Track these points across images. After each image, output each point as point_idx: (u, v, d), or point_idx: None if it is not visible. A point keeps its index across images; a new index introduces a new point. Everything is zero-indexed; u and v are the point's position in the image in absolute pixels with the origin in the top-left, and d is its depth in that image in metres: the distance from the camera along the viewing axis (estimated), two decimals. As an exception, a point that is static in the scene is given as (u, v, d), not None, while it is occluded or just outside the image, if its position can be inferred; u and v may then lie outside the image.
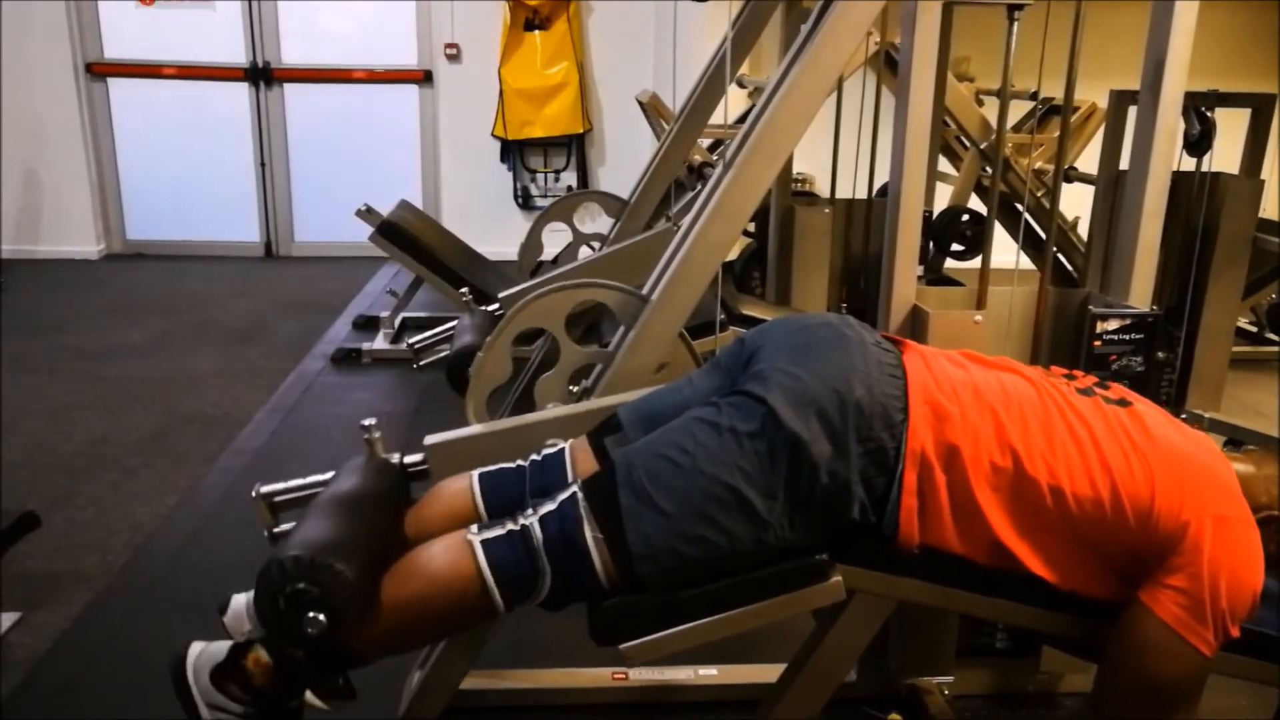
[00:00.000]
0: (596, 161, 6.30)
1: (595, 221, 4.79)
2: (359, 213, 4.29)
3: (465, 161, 6.21)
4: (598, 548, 1.33)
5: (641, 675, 2.05)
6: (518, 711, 1.98)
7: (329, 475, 1.64)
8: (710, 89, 3.43)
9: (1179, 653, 1.30)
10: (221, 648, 1.36)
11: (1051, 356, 1.98)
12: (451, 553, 1.36)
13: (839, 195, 3.21)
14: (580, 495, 1.36)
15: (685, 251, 1.85)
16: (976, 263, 2.07)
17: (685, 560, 1.33)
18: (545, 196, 6.21)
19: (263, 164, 6.17)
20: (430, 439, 1.72)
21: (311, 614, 1.26)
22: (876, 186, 2.94)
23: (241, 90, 6.08)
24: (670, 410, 1.49)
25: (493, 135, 6.11)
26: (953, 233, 4.00)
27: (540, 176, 6.27)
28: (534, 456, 1.58)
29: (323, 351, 4.38)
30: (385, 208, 4.37)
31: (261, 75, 6.04)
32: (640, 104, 4.57)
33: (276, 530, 1.64)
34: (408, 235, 4.21)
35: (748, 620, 1.37)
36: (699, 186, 4.34)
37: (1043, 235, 3.47)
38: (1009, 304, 1.98)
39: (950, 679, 2.07)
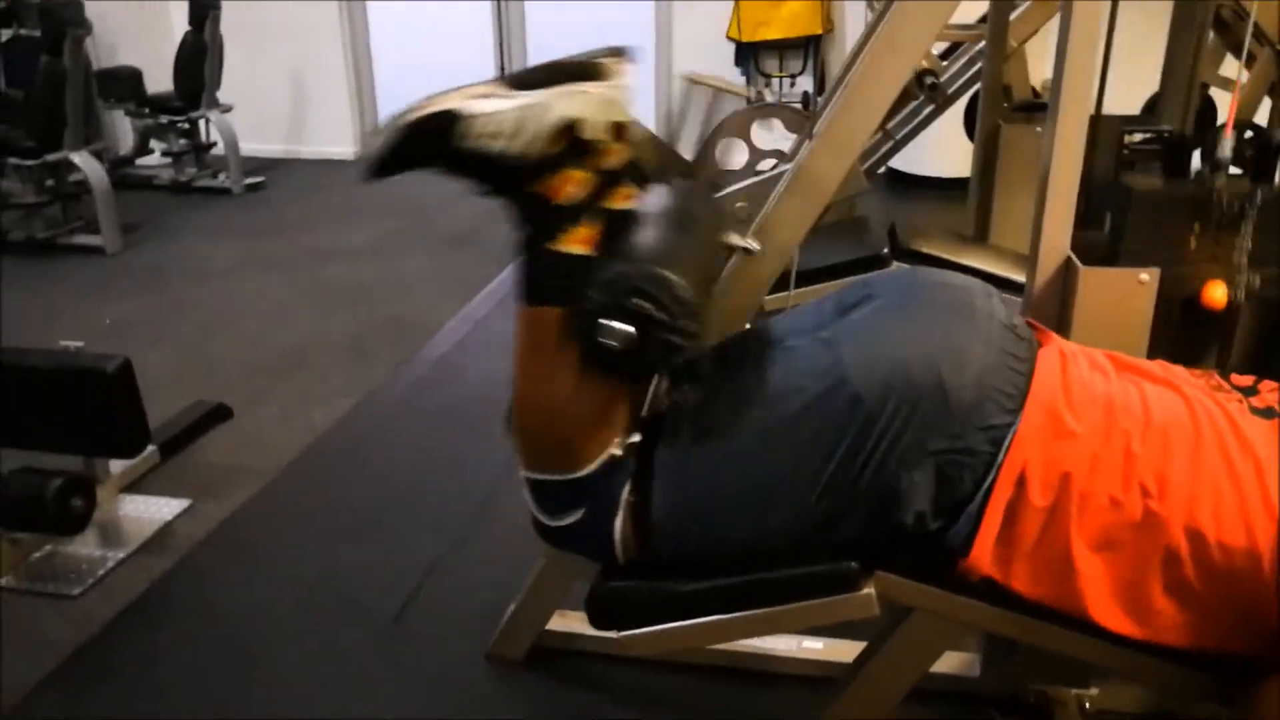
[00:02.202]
0: (836, 66, 5.88)
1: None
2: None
3: (699, 66, 6.00)
4: (624, 512, 1.18)
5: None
6: (603, 660, 1.91)
7: None
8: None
9: None
10: (604, 132, 1.14)
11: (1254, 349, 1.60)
12: (598, 437, 1.20)
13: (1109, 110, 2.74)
14: (636, 442, 1.21)
15: (782, 187, 1.62)
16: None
17: (705, 536, 1.17)
18: (779, 100, 5.90)
19: (501, 69, 6.27)
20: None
21: (626, 326, 1.07)
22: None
23: (485, 3, 6.18)
24: (771, 341, 1.28)
25: (727, 37, 5.85)
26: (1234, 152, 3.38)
27: (775, 81, 5.95)
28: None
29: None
30: None
31: (503, -12, 6.11)
32: (869, 7, 4.17)
33: None
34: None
35: (761, 626, 1.21)
36: (920, 99, 3.96)
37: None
38: (1204, 260, 1.61)
39: (1094, 691, 1.78)
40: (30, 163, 4.57)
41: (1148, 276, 1.55)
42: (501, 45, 6.26)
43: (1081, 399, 1.13)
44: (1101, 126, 2.68)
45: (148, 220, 5.11)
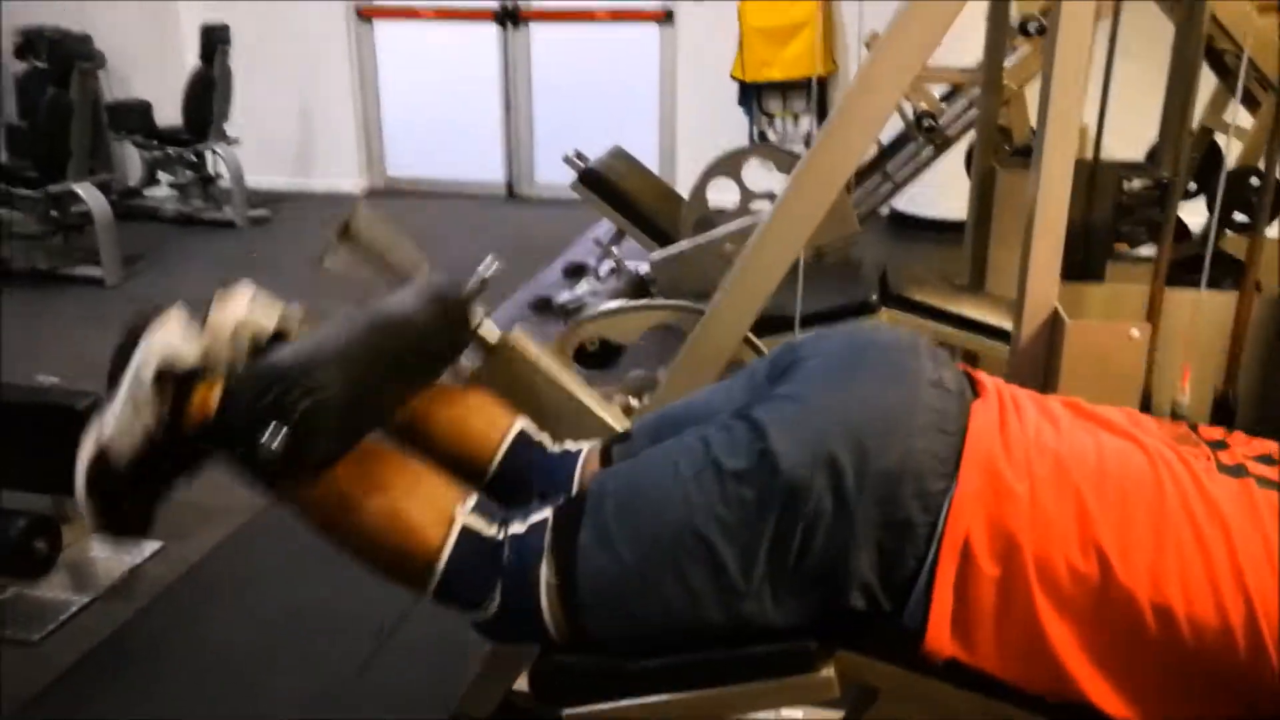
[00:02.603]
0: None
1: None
2: (566, 159, 4.21)
3: (702, 103, 6.00)
4: (548, 590, 1.11)
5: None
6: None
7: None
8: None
9: None
10: (187, 351, 1.16)
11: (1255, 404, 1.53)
12: (431, 513, 1.15)
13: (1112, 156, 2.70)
14: (550, 524, 1.15)
15: (759, 233, 1.57)
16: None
17: (638, 620, 1.09)
18: (783, 142, 5.89)
19: (508, 105, 6.29)
20: (516, 332, 1.52)
21: (275, 425, 1.05)
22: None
23: (491, 31, 6.20)
24: (687, 422, 1.23)
25: (731, 76, 5.85)
26: (1238, 199, 3.33)
27: (778, 121, 5.93)
28: (566, 447, 1.38)
29: (522, 298, 4.40)
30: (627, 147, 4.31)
31: (510, 16, 6.13)
32: (867, 48, 4.15)
33: None
34: (609, 185, 4.08)
35: (715, 707, 1.13)
36: (919, 141, 3.93)
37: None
38: (1194, 313, 1.55)
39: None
40: (34, 193, 4.59)
41: (1138, 332, 1.49)
42: (507, 72, 6.28)
43: (1024, 453, 1.05)
44: (1100, 173, 2.64)
45: (150, 251, 5.11)
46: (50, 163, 4.54)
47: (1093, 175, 2.63)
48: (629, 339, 1.68)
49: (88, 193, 4.60)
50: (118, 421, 1.12)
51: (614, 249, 3.54)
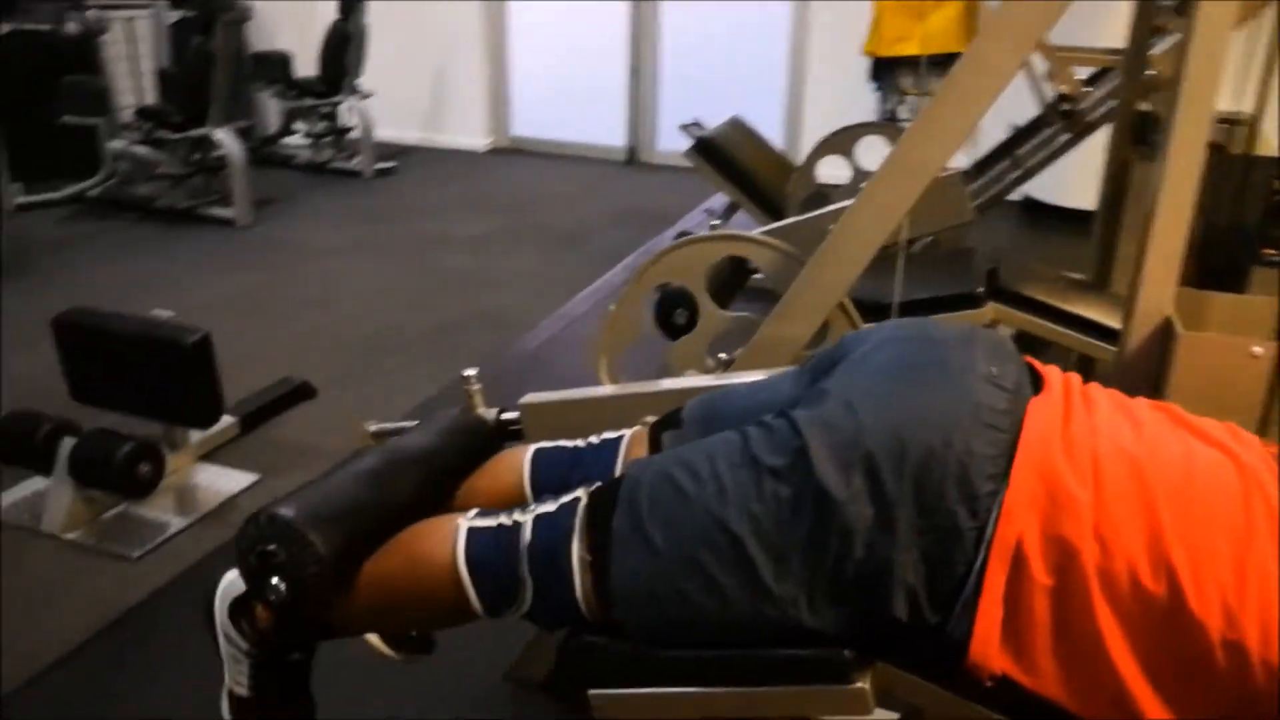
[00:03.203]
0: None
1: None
2: (683, 126, 4.17)
3: (832, 78, 5.83)
4: (582, 571, 1.08)
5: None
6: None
7: None
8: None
9: None
10: (239, 582, 1.30)
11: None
12: (436, 535, 1.18)
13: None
14: (583, 503, 1.13)
15: (853, 206, 1.50)
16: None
17: (667, 615, 1.05)
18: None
19: (634, 71, 6.26)
20: (526, 398, 1.57)
21: (275, 580, 1.15)
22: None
23: (623, 5, 6.18)
24: (737, 414, 1.19)
25: (864, 52, 5.66)
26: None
27: (911, 99, 5.72)
28: (593, 439, 1.37)
29: (632, 264, 4.38)
30: (750, 122, 4.24)
31: (644, -18, 6.09)
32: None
33: None
34: (724, 155, 4.02)
35: (741, 707, 1.07)
36: (1056, 126, 3.73)
37: None
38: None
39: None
40: (177, 136, 4.81)
41: (1262, 349, 1.37)
42: (635, 38, 6.24)
43: (1090, 455, 0.96)
44: (1253, 170, 2.44)
45: (280, 197, 5.31)
46: (193, 108, 4.75)
47: (1246, 171, 2.44)
48: (695, 278, 1.63)
49: (226, 138, 4.79)
50: (230, 674, 1.31)
51: (715, 222, 3.48)
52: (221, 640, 1.30)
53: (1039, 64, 3.78)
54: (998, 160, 3.95)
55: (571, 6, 6.29)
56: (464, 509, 1.27)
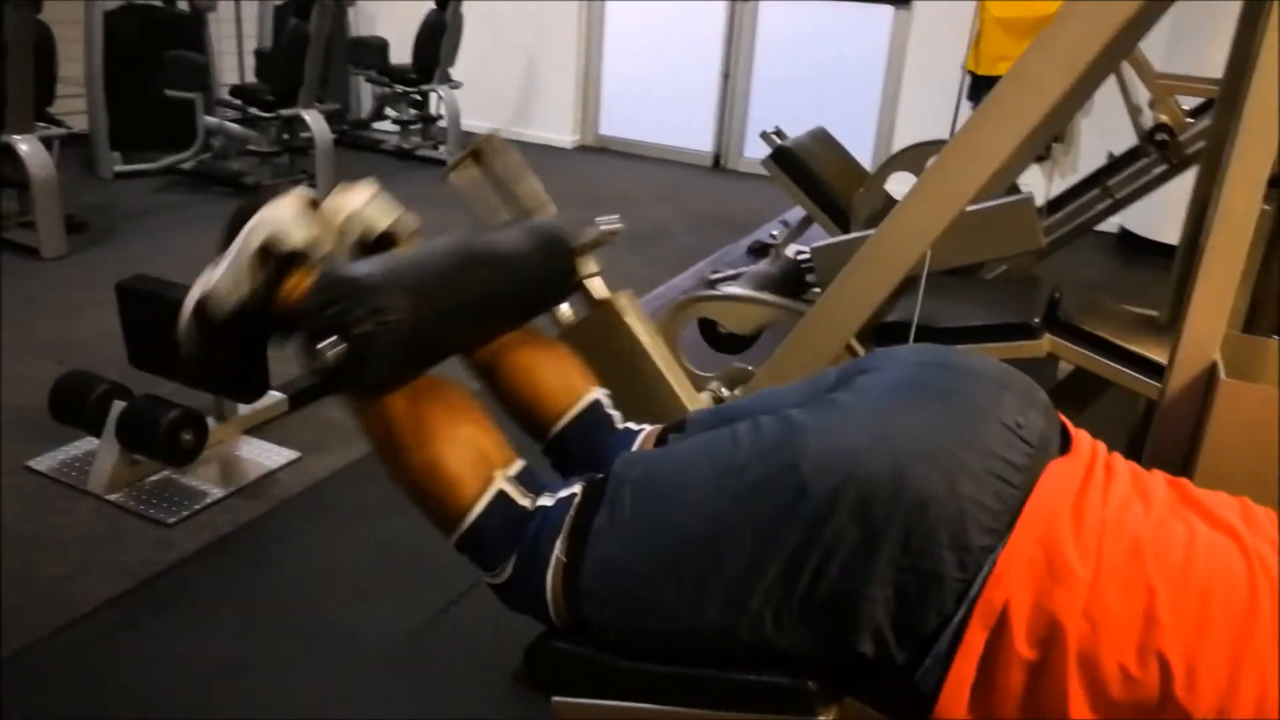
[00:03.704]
0: (1081, 109, 5.41)
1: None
2: (764, 134, 4.10)
3: (927, 93, 5.68)
4: (555, 567, 1.06)
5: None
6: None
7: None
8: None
9: None
10: (295, 232, 1.19)
11: None
12: (475, 467, 1.12)
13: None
14: (577, 500, 1.10)
15: (877, 233, 1.43)
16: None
17: (634, 617, 1.02)
18: (1008, 143, 5.51)
19: (726, 76, 6.21)
20: (625, 294, 1.49)
21: (335, 339, 1.04)
22: None
23: (720, 6, 6.13)
24: (740, 417, 1.15)
25: (963, 68, 5.50)
26: None
27: (1007, 120, 5.55)
28: (625, 425, 1.33)
29: (701, 271, 4.33)
30: (839, 133, 4.17)
31: (742, -12, 6.04)
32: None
33: None
34: (801, 165, 3.94)
35: (700, 729, 1.04)
36: (1152, 157, 3.56)
37: None
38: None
39: None
40: (268, 115, 4.94)
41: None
42: (730, 43, 6.19)
43: (1097, 531, 0.90)
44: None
45: (364, 180, 5.38)
46: (285, 88, 4.86)
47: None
48: (738, 327, 1.59)
49: (313, 119, 4.90)
50: (219, 280, 1.18)
51: (774, 232, 3.41)
52: (236, 250, 1.18)
53: (1141, 92, 3.63)
54: (1088, 189, 3.80)
55: (668, 6, 6.26)
56: (512, 383, 1.30)
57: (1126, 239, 5.25)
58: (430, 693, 1.82)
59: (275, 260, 1.18)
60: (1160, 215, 4.64)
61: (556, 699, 1.09)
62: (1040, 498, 0.92)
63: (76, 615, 1.93)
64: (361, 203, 1.26)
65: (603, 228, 1.40)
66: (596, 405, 1.31)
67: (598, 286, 1.47)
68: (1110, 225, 4.89)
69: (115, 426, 2.34)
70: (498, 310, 1.27)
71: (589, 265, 1.43)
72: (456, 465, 1.12)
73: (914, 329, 1.56)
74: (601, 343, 1.46)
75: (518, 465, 1.15)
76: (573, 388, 1.32)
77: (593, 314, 1.48)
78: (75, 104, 4.78)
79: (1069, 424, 1.07)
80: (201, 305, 1.18)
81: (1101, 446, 1.04)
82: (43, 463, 2.47)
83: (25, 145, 3.82)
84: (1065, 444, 1.02)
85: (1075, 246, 3.73)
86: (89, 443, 2.50)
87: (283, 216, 1.19)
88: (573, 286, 1.44)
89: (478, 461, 1.13)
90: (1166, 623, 0.84)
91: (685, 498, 1.00)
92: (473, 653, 1.92)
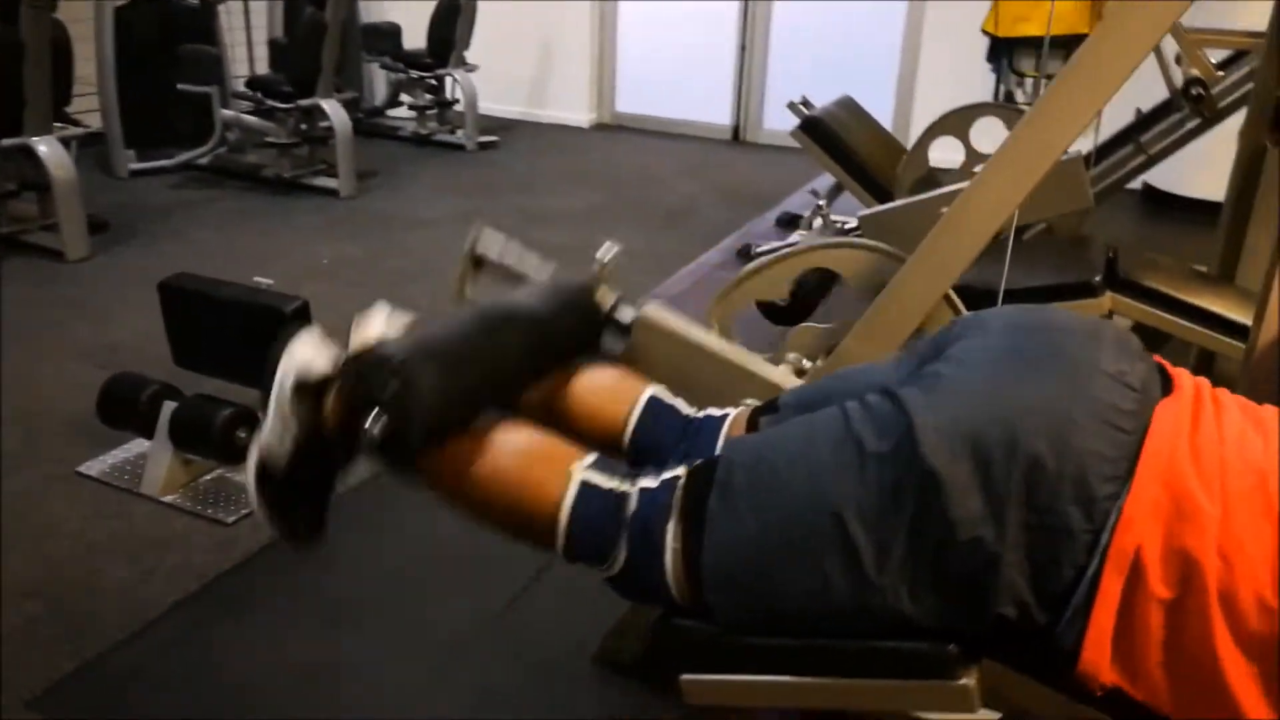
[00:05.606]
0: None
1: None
2: (790, 105, 4.06)
3: (947, 57, 5.64)
4: (673, 553, 1.06)
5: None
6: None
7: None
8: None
9: None
10: (320, 361, 1.24)
11: None
12: (553, 467, 1.15)
13: None
14: (681, 482, 1.09)
15: (967, 190, 1.41)
16: None
17: (760, 600, 1.01)
18: (1031, 104, 5.44)
19: (742, 48, 6.15)
20: (648, 309, 1.50)
21: (376, 411, 1.10)
22: None
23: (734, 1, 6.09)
24: (837, 397, 1.14)
25: (981, 30, 5.44)
26: None
27: (1029, 82, 5.47)
28: (705, 413, 1.34)
29: (733, 244, 4.31)
30: (858, 99, 4.15)
31: (754, -42, 5.98)
32: None
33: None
34: (831, 134, 3.90)
35: (838, 698, 1.04)
36: (1184, 111, 3.51)
37: None
38: None
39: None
40: (285, 106, 4.90)
41: None
42: (744, 42, 6.14)
43: (1218, 465, 0.89)
44: None
45: (384, 169, 5.37)
46: (302, 79, 4.83)
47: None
48: (779, 292, 1.57)
49: (332, 109, 4.86)
50: (270, 432, 1.22)
51: (821, 203, 3.37)
52: (275, 397, 1.23)
53: (1169, 47, 3.57)
54: (1120, 145, 3.75)
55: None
56: (570, 415, 1.34)
57: (1149, 195, 5.19)
58: (516, 681, 1.82)
59: (312, 393, 1.22)
60: (1183, 169, 4.58)
61: (686, 677, 1.08)
62: (1156, 439, 0.92)
63: (150, 619, 1.93)
64: (380, 326, 1.29)
65: (604, 259, 1.46)
66: (654, 400, 1.35)
67: (624, 312, 1.48)
68: (1134, 182, 4.85)
69: (168, 427, 2.34)
70: (528, 357, 1.32)
71: (608, 296, 1.47)
72: (535, 472, 1.16)
73: (1001, 294, 1.54)
74: (655, 359, 1.47)
75: (591, 456, 1.16)
76: (626, 394, 1.36)
77: (634, 337, 1.48)
78: (86, 102, 4.75)
79: (1168, 365, 1.06)
80: (262, 466, 1.23)
81: (1205, 383, 1.03)
82: (93, 468, 2.46)
83: (44, 146, 3.80)
84: (1167, 385, 1.02)
85: (1104, 205, 3.69)
86: (137, 445, 2.50)
87: (303, 354, 1.24)
88: (603, 321, 1.48)
89: (550, 464, 1.16)
90: None
91: (803, 476, 0.99)
92: (549, 639, 1.92)
